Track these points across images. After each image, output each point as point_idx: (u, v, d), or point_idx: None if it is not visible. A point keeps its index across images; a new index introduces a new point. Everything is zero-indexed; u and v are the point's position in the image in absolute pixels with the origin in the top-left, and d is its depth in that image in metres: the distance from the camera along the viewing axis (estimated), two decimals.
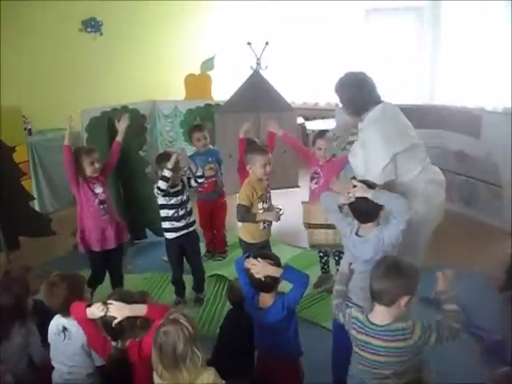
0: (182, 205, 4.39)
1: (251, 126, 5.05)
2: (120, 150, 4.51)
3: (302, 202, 4.43)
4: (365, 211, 2.96)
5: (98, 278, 4.32)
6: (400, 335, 2.44)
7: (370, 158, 3.32)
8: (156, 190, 4.24)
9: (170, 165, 4.14)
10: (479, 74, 8.28)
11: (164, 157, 4.35)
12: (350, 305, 2.89)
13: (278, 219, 4.16)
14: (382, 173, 3.27)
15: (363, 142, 3.39)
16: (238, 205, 4.14)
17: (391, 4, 8.88)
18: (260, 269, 2.95)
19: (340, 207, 3.13)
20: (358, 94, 3.43)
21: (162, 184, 4.17)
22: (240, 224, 4.36)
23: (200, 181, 4.59)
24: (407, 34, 8.97)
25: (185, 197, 4.42)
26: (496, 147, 5.84)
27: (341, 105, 3.60)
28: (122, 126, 4.52)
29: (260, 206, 4.14)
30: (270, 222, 4.25)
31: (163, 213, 4.40)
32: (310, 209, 4.27)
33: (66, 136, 4.13)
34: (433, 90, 8.86)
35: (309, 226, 4.30)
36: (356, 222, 3.04)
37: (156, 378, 2.47)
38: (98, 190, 4.23)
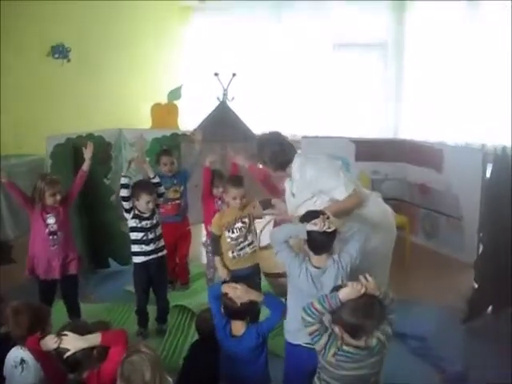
0: (151, 228, 4.36)
1: (217, 157, 5.10)
2: (84, 180, 4.48)
3: (260, 248, 4.12)
4: (323, 242, 2.98)
5: None
6: (380, 346, 2.60)
7: (328, 182, 3.57)
8: (124, 212, 4.29)
9: (124, 172, 4.32)
10: (441, 109, 8.50)
11: (138, 186, 4.37)
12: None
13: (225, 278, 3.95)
14: (348, 183, 3.55)
15: (310, 182, 3.62)
16: (210, 231, 4.24)
17: (357, 40, 9.10)
18: (242, 294, 2.98)
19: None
20: (280, 149, 3.75)
21: (122, 191, 4.23)
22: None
23: (159, 197, 4.52)
24: (372, 69, 9.18)
25: (155, 220, 4.38)
26: (457, 181, 5.96)
27: (261, 165, 3.91)
28: (88, 153, 4.49)
29: (227, 234, 4.12)
30: (250, 249, 4.19)
31: (132, 235, 4.36)
32: (264, 255, 3.94)
33: (2, 174, 4.13)
34: (396, 124, 9.04)
35: (267, 275, 3.99)
36: (307, 258, 3.03)
37: None
38: (50, 220, 4.17)
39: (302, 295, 2.97)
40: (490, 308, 4.69)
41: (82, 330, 2.73)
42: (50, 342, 2.69)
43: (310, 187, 3.62)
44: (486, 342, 4.28)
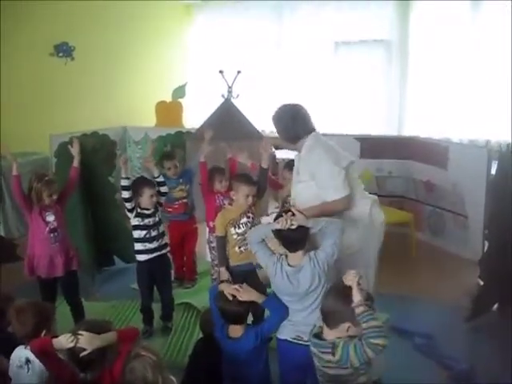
0: (154, 226, 4.37)
1: (215, 152, 5.07)
2: (77, 176, 4.48)
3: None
4: (296, 239, 2.97)
5: None
6: (330, 348, 2.55)
7: (324, 177, 3.40)
8: (126, 212, 4.31)
9: (123, 174, 4.30)
10: (446, 106, 8.48)
11: (140, 182, 4.38)
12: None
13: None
14: (341, 188, 3.37)
15: (311, 167, 3.49)
16: (215, 236, 4.16)
17: (360, 37, 9.07)
18: (243, 293, 2.98)
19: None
20: (291, 123, 3.62)
21: (124, 193, 4.25)
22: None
23: (162, 196, 4.53)
24: (376, 67, 9.15)
25: (157, 218, 4.40)
26: (462, 178, 5.95)
27: (276, 134, 3.76)
28: (75, 150, 4.47)
29: (233, 230, 4.05)
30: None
31: (135, 234, 4.37)
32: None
33: (14, 167, 4.18)
34: (401, 122, 9.02)
35: None
36: (283, 256, 3.03)
37: None
38: (50, 218, 4.16)
39: (281, 293, 3.03)
40: (495, 306, 4.69)
41: (97, 328, 2.69)
42: (65, 342, 2.61)
43: (311, 170, 3.50)
44: (491, 339, 4.27)
